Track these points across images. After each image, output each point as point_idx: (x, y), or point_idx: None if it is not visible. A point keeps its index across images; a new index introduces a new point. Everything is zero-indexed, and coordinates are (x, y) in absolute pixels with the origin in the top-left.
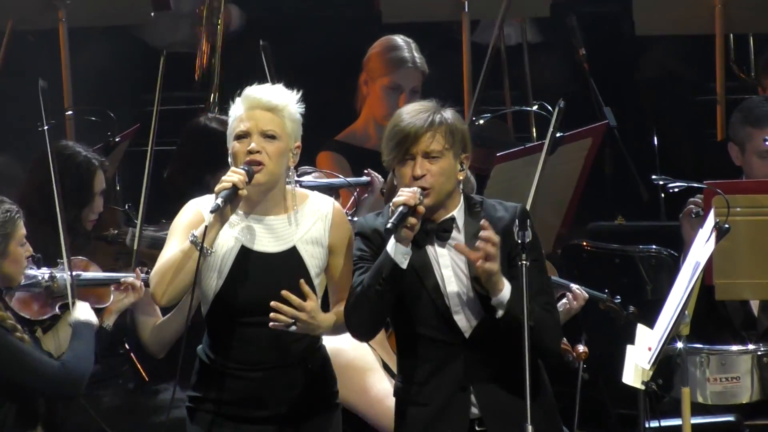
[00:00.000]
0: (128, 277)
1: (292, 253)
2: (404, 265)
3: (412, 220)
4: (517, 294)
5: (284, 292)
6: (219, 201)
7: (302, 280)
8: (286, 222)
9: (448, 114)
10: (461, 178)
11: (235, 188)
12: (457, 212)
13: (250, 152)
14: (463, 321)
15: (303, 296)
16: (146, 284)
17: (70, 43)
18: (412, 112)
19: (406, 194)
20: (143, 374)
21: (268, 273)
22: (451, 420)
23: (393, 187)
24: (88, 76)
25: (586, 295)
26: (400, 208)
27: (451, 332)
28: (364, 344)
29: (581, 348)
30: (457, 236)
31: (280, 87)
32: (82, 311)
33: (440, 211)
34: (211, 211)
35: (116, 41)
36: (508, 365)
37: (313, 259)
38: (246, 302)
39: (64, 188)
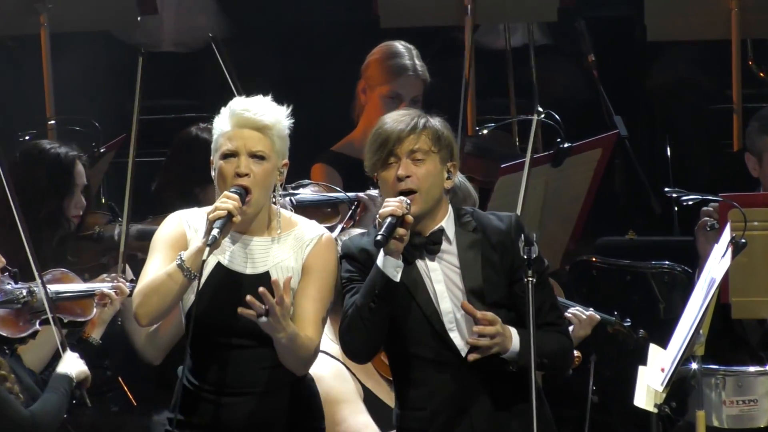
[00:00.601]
0: (103, 287)
1: (265, 278)
2: (397, 278)
3: (401, 230)
4: (526, 339)
5: (261, 289)
6: (215, 232)
7: (275, 279)
8: (265, 245)
9: (435, 119)
10: (448, 186)
11: (229, 215)
12: (446, 222)
13: (239, 175)
14: (458, 339)
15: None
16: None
17: (52, 49)
18: (396, 116)
19: (392, 204)
20: (131, 399)
21: (238, 294)
22: None
23: None
24: (71, 83)
25: (598, 318)
26: (388, 219)
27: (446, 351)
28: (345, 373)
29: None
30: (448, 248)
31: (268, 103)
32: (68, 363)
33: (428, 222)
34: (209, 244)
35: (100, 46)
36: (507, 384)
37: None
38: (216, 321)
39: (41, 183)
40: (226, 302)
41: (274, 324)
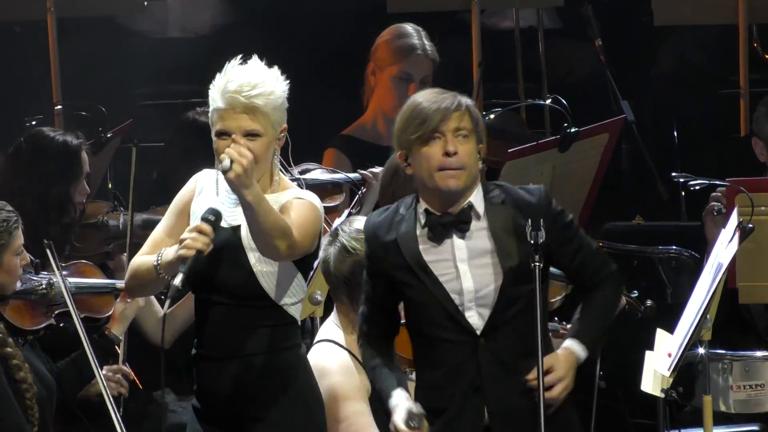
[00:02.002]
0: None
1: (235, 233)
2: None
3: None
4: (585, 335)
5: (228, 150)
6: (180, 277)
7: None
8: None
9: (469, 101)
10: (480, 166)
11: (199, 253)
12: (474, 198)
13: None
14: (475, 317)
15: (245, 282)
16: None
17: (59, 35)
18: (433, 95)
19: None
20: (137, 382)
21: (216, 248)
22: (464, 425)
23: (392, 177)
24: (77, 69)
25: None
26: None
27: (462, 331)
28: (352, 366)
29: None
30: (478, 224)
31: (260, 73)
32: None
33: (458, 200)
34: (170, 296)
35: (107, 32)
36: (522, 363)
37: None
38: (200, 278)
39: (48, 168)
40: (208, 256)
41: (238, 175)
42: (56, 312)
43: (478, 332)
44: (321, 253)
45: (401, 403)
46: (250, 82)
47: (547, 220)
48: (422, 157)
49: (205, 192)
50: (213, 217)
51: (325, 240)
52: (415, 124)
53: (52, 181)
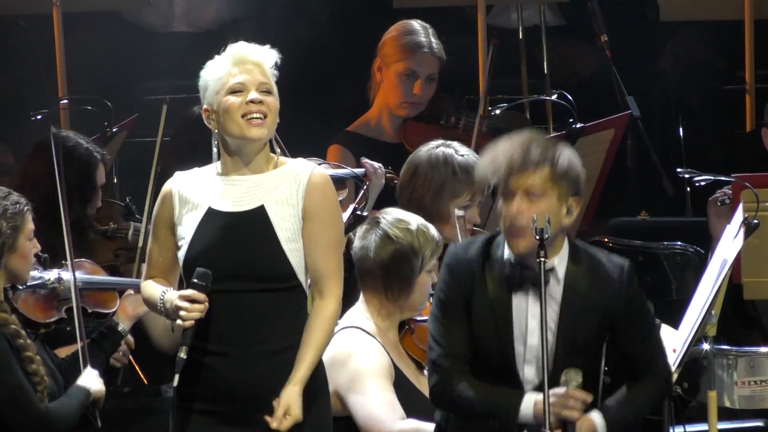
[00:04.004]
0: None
1: (259, 213)
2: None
3: None
4: (613, 416)
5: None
6: (185, 349)
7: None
8: (258, 180)
9: (563, 151)
10: (566, 223)
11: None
12: (558, 261)
13: (252, 102)
14: (532, 373)
15: (275, 262)
16: None
17: (65, 29)
18: (516, 141)
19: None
20: (142, 377)
21: (233, 234)
22: None
23: (411, 178)
24: (83, 64)
25: None
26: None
27: (513, 383)
28: (381, 349)
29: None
30: (555, 286)
31: (259, 46)
32: (88, 378)
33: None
34: (177, 371)
35: (112, 27)
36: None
37: (282, 221)
38: (214, 268)
39: (68, 185)
40: (220, 246)
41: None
42: (65, 307)
43: (528, 388)
44: (358, 241)
45: (533, 401)
46: (253, 47)
47: (621, 298)
48: (499, 210)
49: (193, 195)
50: (204, 282)
51: (361, 229)
52: (488, 173)
53: (71, 200)
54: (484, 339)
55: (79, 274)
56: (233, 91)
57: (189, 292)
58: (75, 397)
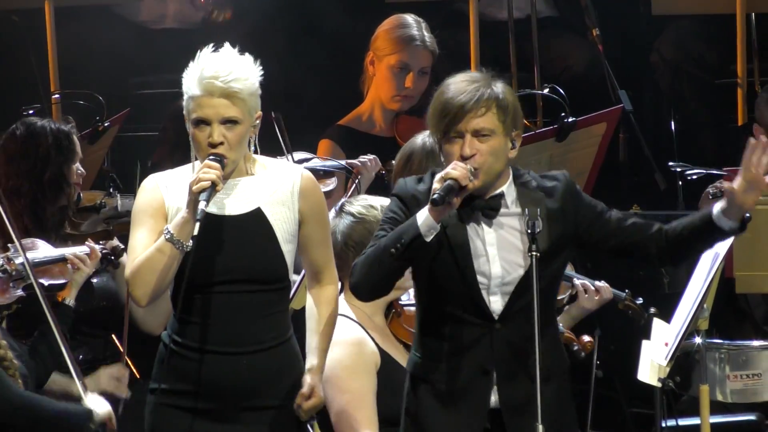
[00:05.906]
0: (75, 251)
1: (258, 215)
2: (428, 239)
3: (456, 199)
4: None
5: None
6: (202, 205)
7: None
8: (249, 183)
9: (499, 86)
10: (512, 156)
11: (213, 185)
12: (506, 188)
13: (212, 145)
14: (498, 302)
15: (273, 264)
16: (107, 256)
17: (57, 24)
18: (460, 85)
19: (459, 170)
20: (134, 371)
21: (233, 236)
22: (468, 404)
23: (405, 165)
24: (75, 58)
25: (610, 296)
26: (449, 182)
27: (481, 313)
28: (365, 340)
29: (586, 338)
30: (507, 212)
31: (236, 60)
32: (94, 402)
33: (486, 191)
34: (198, 219)
35: (104, 22)
36: (531, 347)
37: (280, 222)
38: (211, 270)
39: (43, 149)
40: (220, 249)
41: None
42: (22, 285)
43: (496, 317)
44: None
45: (425, 210)
46: (227, 68)
47: (574, 201)
48: (446, 153)
49: (182, 197)
50: (218, 157)
51: (330, 217)
52: (435, 120)
53: (46, 162)
54: (445, 270)
55: (28, 254)
56: (197, 123)
57: (202, 164)
58: (71, 406)
